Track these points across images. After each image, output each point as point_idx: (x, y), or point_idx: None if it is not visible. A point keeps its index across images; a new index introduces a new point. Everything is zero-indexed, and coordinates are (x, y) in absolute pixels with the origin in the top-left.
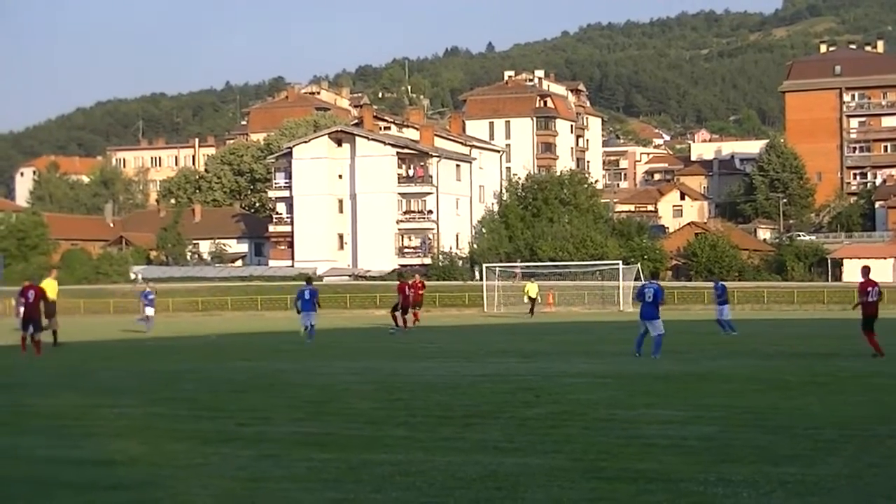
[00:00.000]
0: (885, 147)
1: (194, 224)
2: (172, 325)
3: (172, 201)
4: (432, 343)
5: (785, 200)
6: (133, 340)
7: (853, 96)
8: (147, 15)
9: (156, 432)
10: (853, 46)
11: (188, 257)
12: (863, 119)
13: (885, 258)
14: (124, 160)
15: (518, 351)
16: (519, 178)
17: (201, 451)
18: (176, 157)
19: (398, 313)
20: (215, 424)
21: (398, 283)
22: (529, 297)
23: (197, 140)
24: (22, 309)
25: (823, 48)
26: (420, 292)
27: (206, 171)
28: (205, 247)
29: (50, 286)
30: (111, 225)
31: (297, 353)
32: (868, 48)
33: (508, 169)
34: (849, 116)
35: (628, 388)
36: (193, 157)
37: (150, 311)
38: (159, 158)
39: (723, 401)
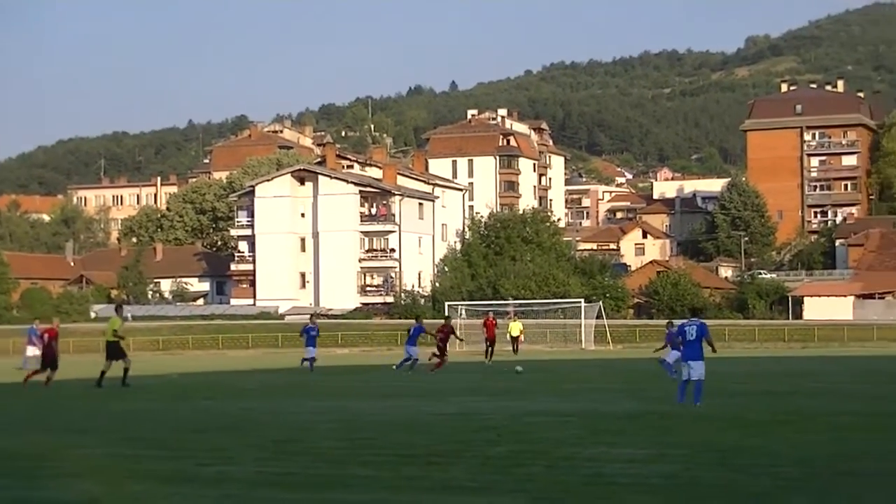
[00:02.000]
0: (845, 186)
1: (156, 263)
2: (134, 365)
3: (134, 240)
4: (396, 382)
5: (746, 239)
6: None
7: (814, 135)
8: (110, 53)
9: (117, 473)
10: (814, 86)
11: (149, 296)
12: (823, 158)
13: (845, 296)
14: (86, 199)
15: (481, 389)
16: (482, 216)
17: (162, 491)
18: (138, 196)
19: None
20: (177, 464)
21: (442, 323)
22: (512, 336)
23: (159, 178)
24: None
25: (785, 87)
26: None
27: (167, 209)
28: (166, 285)
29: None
30: (72, 264)
31: (261, 392)
32: (829, 88)
33: (471, 207)
34: (809, 155)
35: (591, 427)
36: (155, 195)
37: (311, 350)
38: (121, 197)
39: (686, 439)
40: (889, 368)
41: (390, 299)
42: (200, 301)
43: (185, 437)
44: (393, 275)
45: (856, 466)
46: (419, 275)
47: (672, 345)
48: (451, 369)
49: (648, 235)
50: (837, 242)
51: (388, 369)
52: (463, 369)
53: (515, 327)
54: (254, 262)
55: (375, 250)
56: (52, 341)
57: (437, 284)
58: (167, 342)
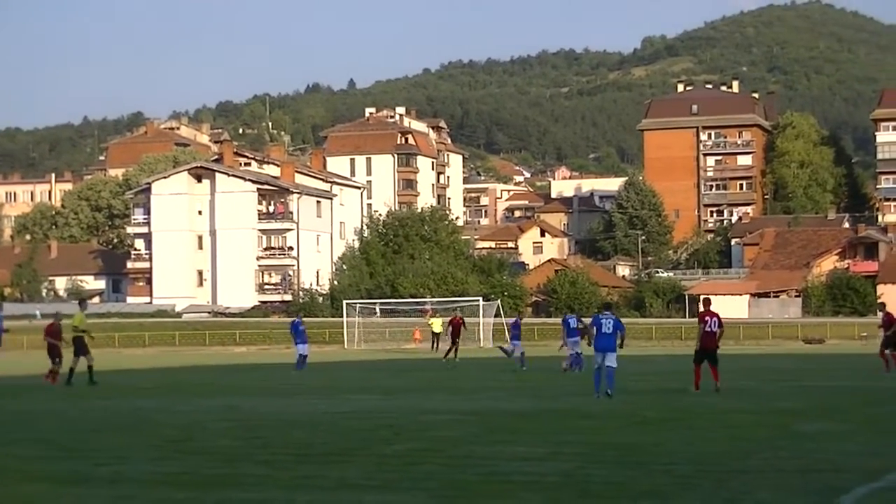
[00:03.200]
0: (741, 185)
1: (50, 260)
2: (27, 363)
3: (28, 237)
4: (292, 380)
5: (644, 237)
6: None
7: (710, 135)
8: (1, 47)
9: (9, 474)
10: (709, 86)
11: (44, 294)
12: (719, 157)
13: (741, 294)
14: None
15: (378, 388)
16: (380, 214)
17: (57, 492)
18: (32, 193)
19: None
20: (71, 465)
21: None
22: (433, 333)
23: (54, 175)
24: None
25: (681, 87)
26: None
27: (62, 206)
28: (61, 283)
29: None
30: None
31: (157, 391)
32: (724, 88)
33: (369, 205)
34: (705, 155)
35: (487, 425)
36: (50, 192)
37: (302, 347)
38: (14, 194)
39: (581, 437)
40: (782, 366)
41: (288, 297)
42: (96, 299)
43: (80, 437)
44: (291, 273)
45: (747, 463)
46: (317, 273)
47: (513, 336)
48: (350, 368)
49: (546, 234)
50: (733, 241)
51: (285, 369)
52: (360, 367)
53: (437, 324)
54: (150, 259)
55: (273, 248)
56: (48, 336)
57: (336, 283)
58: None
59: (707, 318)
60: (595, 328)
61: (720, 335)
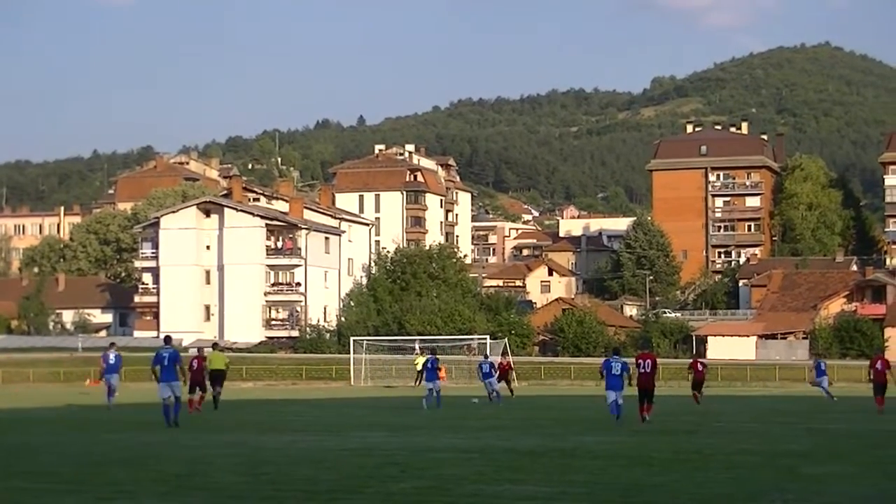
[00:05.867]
0: (749, 226)
1: (58, 293)
2: (33, 396)
3: (35, 270)
4: (299, 416)
5: (651, 277)
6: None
7: (718, 176)
8: (13, 80)
9: None
10: (718, 127)
11: (50, 327)
12: (727, 198)
13: (747, 336)
14: None
15: (384, 425)
16: (388, 251)
17: None
18: (40, 226)
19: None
20: (77, 499)
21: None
22: (418, 371)
23: (62, 208)
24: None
25: (690, 128)
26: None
27: (70, 239)
28: (68, 316)
29: (219, 358)
30: None
31: (162, 425)
32: (733, 129)
33: (378, 242)
34: (714, 196)
35: (494, 464)
36: (58, 225)
37: (436, 383)
38: (23, 226)
39: (587, 477)
40: (789, 408)
41: (295, 333)
42: (103, 333)
43: (86, 470)
44: (298, 309)
45: None
46: (325, 309)
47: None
48: (356, 405)
49: (554, 273)
50: (741, 283)
51: (290, 404)
52: (366, 404)
53: (420, 361)
54: (158, 294)
55: (281, 284)
56: (199, 367)
57: (343, 319)
58: (68, 374)
59: (641, 360)
60: (605, 370)
61: (655, 375)
